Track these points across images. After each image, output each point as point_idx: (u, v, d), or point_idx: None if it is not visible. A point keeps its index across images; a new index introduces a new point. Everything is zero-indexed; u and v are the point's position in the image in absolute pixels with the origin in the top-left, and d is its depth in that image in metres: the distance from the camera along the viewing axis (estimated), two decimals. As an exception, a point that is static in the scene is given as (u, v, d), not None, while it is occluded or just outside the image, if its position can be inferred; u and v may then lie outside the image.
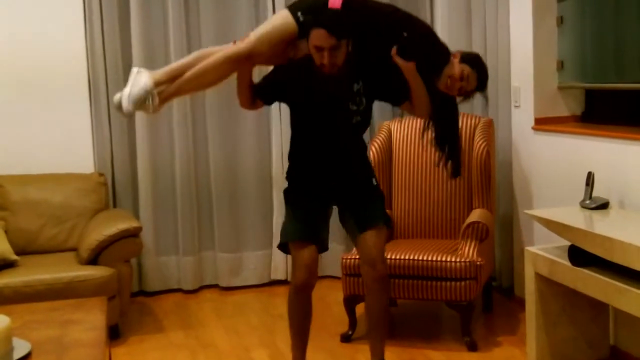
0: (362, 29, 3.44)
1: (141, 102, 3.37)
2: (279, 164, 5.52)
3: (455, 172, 3.84)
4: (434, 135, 3.81)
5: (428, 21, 5.38)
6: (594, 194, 4.05)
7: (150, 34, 5.36)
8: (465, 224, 4.47)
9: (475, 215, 4.56)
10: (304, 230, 3.67)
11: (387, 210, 4.85)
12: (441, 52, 3.59)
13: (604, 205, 4.01)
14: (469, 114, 4.99)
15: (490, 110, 5.11)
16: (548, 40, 4.77)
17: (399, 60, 3.43)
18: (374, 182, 3.77)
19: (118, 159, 5.39)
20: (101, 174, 5.25)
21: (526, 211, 4.41)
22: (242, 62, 3.46)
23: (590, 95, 4.82)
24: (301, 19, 3.41)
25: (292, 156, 3.75)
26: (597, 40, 4.72)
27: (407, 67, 3.44)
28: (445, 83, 3.54)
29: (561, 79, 4.80)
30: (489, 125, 4.89)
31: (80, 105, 5.30)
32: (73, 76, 5.27)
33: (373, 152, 4.93)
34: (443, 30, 5.27)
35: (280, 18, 3.51)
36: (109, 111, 5.29)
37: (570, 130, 4.55)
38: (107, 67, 5.27)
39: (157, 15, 5.38)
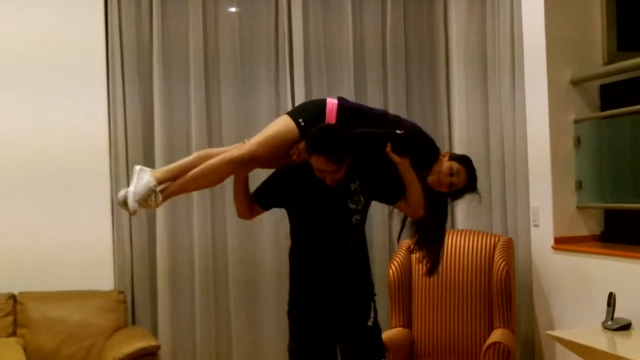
0: (359, 139, 3.48)
1: (145, 200, 3.42)
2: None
3: (432, 271, 3.77)
4: (417, 234, 3.73)
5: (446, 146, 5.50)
6: (616, 314, 4.01)
7: (173, 131, 5.47)
8: (486, 344, 4.41)
9: (497, 335, 4.50)
10: None
11: (406, 330, 4.82)
12: (431, 149, 3.63)
13: (626, 327, 3.96)
14: (489, 233, 5.01)
15: (510, 230, 5.12)
16: (566, 161, 4.82)
17: (394, 157, 3.42)
18: (370, 323, 3.54)
19: (138, 276, 5.39)
20: (121, 292, 5.25)
21: (548, 332, 4.36)
22: (243, 166, 3.49)
23: (610, 215, 4.83)
24: (302, 124, 3.44)
25: (292, 273, 3.63)
26: (615, 160, 4.76)
27: (402, 163, 3.43)
28: (436, 179, 3.56)
29: (580, 198, 4.82)
30: (509, 245, 4.88)
31: (102, 221, 5.36)
32: (95, 195, 5.35)
33: (392, 270, 4.93)
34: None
35: (281, 123, 3.53)
36: (131, 229, 5.35)
37: (591, 250, 4.54)
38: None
39: (179, 104, 5.50)
